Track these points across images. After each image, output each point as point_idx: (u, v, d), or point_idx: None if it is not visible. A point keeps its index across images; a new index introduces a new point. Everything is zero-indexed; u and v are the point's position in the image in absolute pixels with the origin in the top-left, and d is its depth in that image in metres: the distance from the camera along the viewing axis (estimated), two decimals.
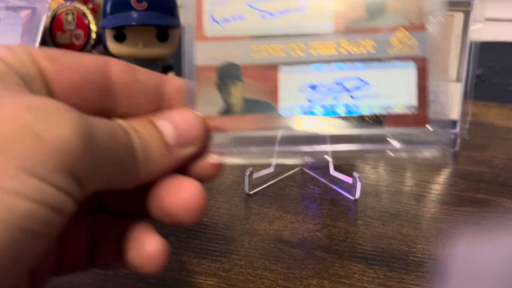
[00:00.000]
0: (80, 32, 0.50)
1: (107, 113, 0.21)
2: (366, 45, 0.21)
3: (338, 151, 0.21)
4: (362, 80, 0.21)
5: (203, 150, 0.22)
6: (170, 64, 0.51)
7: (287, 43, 0.21)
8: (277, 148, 0.22)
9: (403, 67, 0.21)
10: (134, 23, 0.45)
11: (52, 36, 0.50)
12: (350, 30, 0.21)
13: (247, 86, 0.22)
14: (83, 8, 0.50)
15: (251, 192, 0.34)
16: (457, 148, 0.43)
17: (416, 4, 0.21)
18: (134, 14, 0.45)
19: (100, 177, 0.18)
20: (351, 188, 0.33)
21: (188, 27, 0.22)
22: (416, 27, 0.21)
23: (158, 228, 0.29)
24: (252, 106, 0.22)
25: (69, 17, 0.49)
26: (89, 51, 0.50)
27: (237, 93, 0.22)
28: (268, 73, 0.22)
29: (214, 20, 0.22)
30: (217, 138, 0.22)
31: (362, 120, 0.21)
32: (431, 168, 0.40)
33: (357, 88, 0.21)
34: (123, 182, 0.19)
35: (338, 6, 0.21)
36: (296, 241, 0.28)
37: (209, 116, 0.22)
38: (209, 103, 0.22)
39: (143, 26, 0.45)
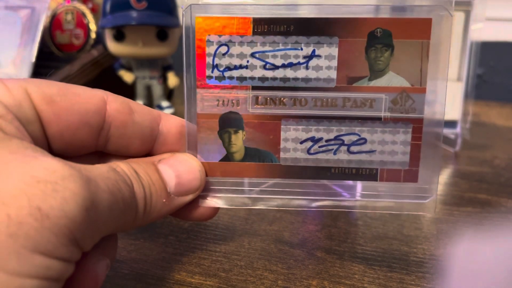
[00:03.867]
0: (79, 31, 0.49)
1: (99, 149, 0.22)
2: (367, 104, 0.22)
3: (332, 200, 0.23)
4: (360, 136, 0.22)
5: (200, 195, 0.22)
6: (170, 64, 0.51)
7: (290, 95, 0.22)
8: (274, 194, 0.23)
9: (400, 127, 0.22)
10: (133, 23, 0.45)
11: (52, 36, 0.49)
12: (352, 88, 0.22)
13: (249, 135, 0.22)
14: (83, 7, 0.50)
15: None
16: (458, 148, 0.42)
17: (418, 68, 0.21)
18: (134, 14, 0.45)
19: (99, 234, 0.18)
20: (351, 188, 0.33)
21: (190, 74, 0.22)
22: (417, 90, 0.21)
23: (157, 228, 0.29)
24: (252, 154, 0.22)
25: (69, 17, 0.49)
26: (89, 51, 0.49)
27: (238, 142, 0.22)
28: (270, 124, 0.22)
29: (217, 69, 0.22)
30: (216, 184, 0.23)
31: (358, 173, 0.22)
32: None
33: (355, 143, 0.22)
34: (121, 230, 0.20)
35: (342, 64, 0.21)
36: (296, 242, 0.28)
37: (209, 162, 0.22)
38: (210, 150, 0.22)
39: (143, 25, 0.45)
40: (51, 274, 0.15)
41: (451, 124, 0.43)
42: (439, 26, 0.21)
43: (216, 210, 0.23)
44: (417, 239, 0.28)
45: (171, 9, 0.47)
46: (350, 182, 0.22)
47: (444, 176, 0.38)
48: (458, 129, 0.43)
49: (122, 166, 0.19)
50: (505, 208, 0.33)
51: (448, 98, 0.43)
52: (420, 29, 0.21)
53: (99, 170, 0.18)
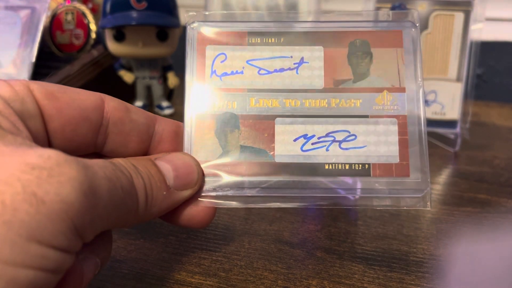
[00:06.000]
0: (79, 31, 0.49)
1: (98, 148, 0.22)
2: (354, 103, 0.24)
3: (329, 196, 0.23)
4: (350, 133, 0.24)
5: (197, 194, 0.23)
6: (170, 64, 0.51)
7: (282, 97, 0.24)
8: (270, 193, 0.23)
9: (386, 123, 0.24)
10: (133, 23, 0.45)
11: (52, 36, 0.49)
12: (339, 89, 0.24)
13: (244, 134, 0.24)
14: (83, 7, 0.50)
15: None
16: (457, 148, 0.42)
17: (396, 71, 0.24)
18: (134, 14, 0.45)
19: (101, 223, 0.18)
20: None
21: (191, 78, 0.24)
22: (397, 89, 0.24)
23: (157, 228, 0.29)
24: (248, 153, 0.23)
25: (69, 17, 0.49)
26: (89, 51, 0.49)
27: (234, 141, 0.24)
28: (264, 123, 0.24)
29: (215, 74, 0.24)
30: (212, 183, 0.23)
31: (351, 169, 0.23)
32: (431, 168, 0.40)
33: (346, 140, 0.24)
34: (123, 223, 0.19)
35: (328, 69, 0.24)
36: (296, 242, 0.28)
37: (206, 161, 0.23)
38: (207, 149, 0.23)
39: (143, 25, 0.45)
40: (47, 264, 0.15)
41: (451, 124, 0.43)
42: (409, 36, 0.24)
43: (213, 214, 0.23)
44: (417, 239, 0.28)
45: (171, 9, 0.47)
46: (349, 180, 0.23)
47: (444, 176, 0.38)
48: (457, 129, 0.43)
49: (119, 160, 0.20)
50: (505, 208, 0.33)
51: (448, 98, 0.43)
52: (393, 39, 0.24)
53: (96, 161, 0.18)
